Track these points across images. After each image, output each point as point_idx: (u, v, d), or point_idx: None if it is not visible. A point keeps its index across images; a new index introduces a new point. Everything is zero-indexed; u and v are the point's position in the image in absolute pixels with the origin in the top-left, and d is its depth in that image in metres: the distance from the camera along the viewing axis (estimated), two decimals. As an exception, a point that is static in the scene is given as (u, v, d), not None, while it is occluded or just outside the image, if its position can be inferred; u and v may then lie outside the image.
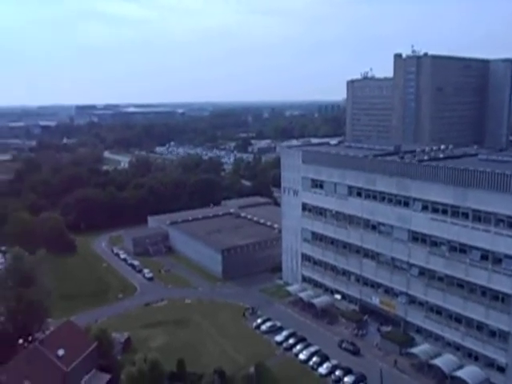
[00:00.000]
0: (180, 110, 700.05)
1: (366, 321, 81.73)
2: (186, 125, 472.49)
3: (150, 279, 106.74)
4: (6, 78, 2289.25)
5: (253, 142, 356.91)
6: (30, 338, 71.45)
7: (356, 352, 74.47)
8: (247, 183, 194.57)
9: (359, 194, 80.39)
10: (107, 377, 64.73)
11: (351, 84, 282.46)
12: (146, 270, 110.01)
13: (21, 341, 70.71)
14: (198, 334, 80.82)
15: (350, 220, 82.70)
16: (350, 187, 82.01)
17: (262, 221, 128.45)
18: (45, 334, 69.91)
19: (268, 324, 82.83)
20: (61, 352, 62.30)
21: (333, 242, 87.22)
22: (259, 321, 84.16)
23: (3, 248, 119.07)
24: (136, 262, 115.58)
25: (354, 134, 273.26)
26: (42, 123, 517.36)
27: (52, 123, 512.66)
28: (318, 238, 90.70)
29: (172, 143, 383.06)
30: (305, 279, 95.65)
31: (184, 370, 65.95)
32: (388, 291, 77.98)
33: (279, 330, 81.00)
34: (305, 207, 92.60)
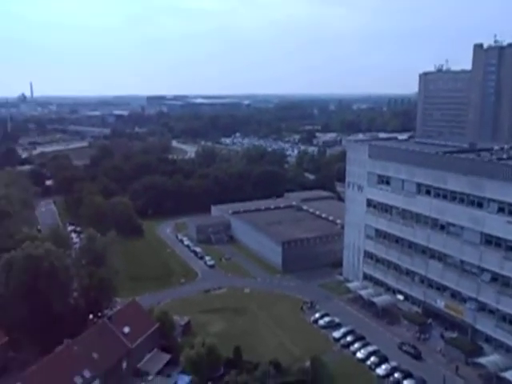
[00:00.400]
0: (246, 102, 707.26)
1: (430, 324, 78.53)
2: (252, 116, 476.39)
3: (211, 266, 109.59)
4: (87, 70, 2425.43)
5: (318, 134, 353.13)
6: (99, 314, 76.29)
7: (417, 356, 71.81)
8: (311, 176, 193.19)
9: (428, 192, 76.98)
10: (167, 357, 67.62)
11: (424, 77, 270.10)
12: (207, 258, 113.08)
13: (91, 316, 75.61)
14: (256, 323, 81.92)
15: (417, 219, 79.49)
16: (418, 185, 78.75)
17: (324, 215, 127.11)
18: (112, 311, 74.26)
19: (326, 319, 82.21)
20: (126, 329, 66.04)
21: (397, 240, 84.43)
22: (317, 315, 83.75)
23: (78, 229, 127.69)
24: (198, 249, 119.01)
25: (425, 129, 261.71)
26: (116, 112, 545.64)
27: (125, 112, 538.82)
28: (381, 235, 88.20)
29: (237, 134, 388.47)
30: (366, 277, 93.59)
31: (240, 357, 67.25)
32: (455, 295, 74.27)
33: (337, 326, 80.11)
34: (369, 203, 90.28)
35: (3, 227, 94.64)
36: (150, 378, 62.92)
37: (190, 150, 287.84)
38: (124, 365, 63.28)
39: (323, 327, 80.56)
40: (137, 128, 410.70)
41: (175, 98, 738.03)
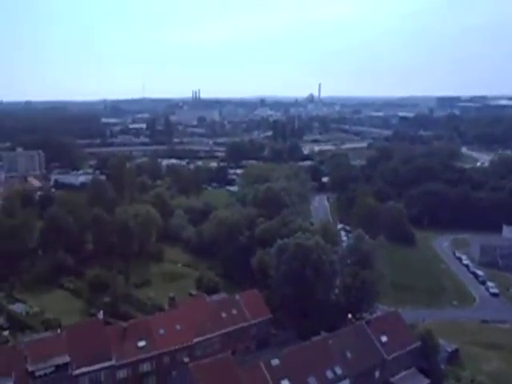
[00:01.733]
0: None
1: None
2: None
3: (494, 295, 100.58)
4: (372, 71, 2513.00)
5: None
6: (357, 316, 79.39)
7: None
8: None
9: None
10: (426, 381, 65.31)
11: None
12: (490, 284, 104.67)
13: (349, 315, 79.41)
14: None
15: None
16: None
17: None
18: (371, 316, 76.35)
19: None
20: (384, 338, 66.81)
21: None
22: None
23: (347, 227, 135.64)
24: (480, 272, 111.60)
25: None
26: (401, 114, 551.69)
27: (410, 114, 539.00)
28: None
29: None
30: None
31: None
32: None
33: None
34: None
35: (280, 216, 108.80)
36: (403, 397, 61.91)
37: (483, 159, 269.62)
38: (377, 374, 64.15)
39: None
40: (421, 131, 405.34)
41: (471, 99, 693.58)
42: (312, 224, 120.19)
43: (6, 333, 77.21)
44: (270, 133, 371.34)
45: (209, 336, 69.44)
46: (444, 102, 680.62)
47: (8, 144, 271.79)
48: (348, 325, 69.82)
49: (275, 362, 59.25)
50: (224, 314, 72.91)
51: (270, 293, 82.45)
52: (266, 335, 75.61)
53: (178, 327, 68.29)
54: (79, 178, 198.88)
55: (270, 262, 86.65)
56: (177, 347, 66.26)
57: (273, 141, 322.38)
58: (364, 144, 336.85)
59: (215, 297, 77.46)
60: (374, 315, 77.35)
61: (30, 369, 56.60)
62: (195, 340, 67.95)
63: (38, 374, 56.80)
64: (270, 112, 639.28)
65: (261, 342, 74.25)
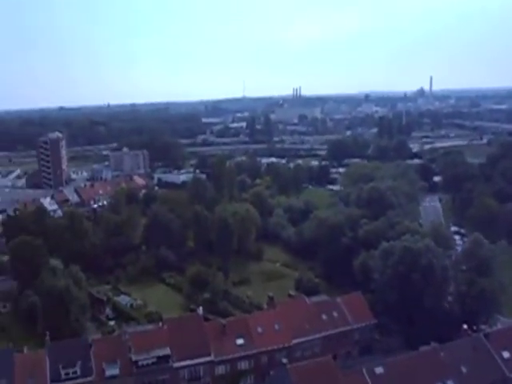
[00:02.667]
0: None
1: None
2: None
3: None
4: (491, 59, 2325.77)
5: None
6: (474, 327, 74.71)
7: None
8: None
9: None
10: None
11: None
12: None
13: (465, 326, 75.01)
14: None
15: None
16: None
17: None
18: (491, 328, 71.42)
19: None
20: (506, 354, 62.18)
21: None
22: None
23: (462, 231, 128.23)
24: None
25: None
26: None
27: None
28: None
29: None
30: None
31: None
32: None
33: None
34: None
35: (386, 217, 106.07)
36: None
37: None
38: (498, 392, 59.82)
39: None
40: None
41: None
42: (421, 226, 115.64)
43: (111, 323, 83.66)
44: (375, 130, 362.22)
45: (308, 338, 69.45)
46: None
47: (115, 144, 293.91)
48: (463, 336, 65.92)
49: (379, 369, 57.69)
50: (324, 317, 72.48)
51: (374, 297, 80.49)
52: (370, 341, 73.95)
53: (276, 327, 69.12)
54: (181, 176, 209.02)
55: (374, 265, 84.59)
56: (275, 347, 67.14)
57: (378, 138, 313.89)
58: (483, 140, 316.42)
59: (315, 298, 77.16)
60: (495, 328, 72.28)
61: (134, 358, 60.62)
62: (294, 341, 68.29)
63: (141, 363, 60.71)
64: (375, 108, 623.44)
65: (364, 347, 72.81)
